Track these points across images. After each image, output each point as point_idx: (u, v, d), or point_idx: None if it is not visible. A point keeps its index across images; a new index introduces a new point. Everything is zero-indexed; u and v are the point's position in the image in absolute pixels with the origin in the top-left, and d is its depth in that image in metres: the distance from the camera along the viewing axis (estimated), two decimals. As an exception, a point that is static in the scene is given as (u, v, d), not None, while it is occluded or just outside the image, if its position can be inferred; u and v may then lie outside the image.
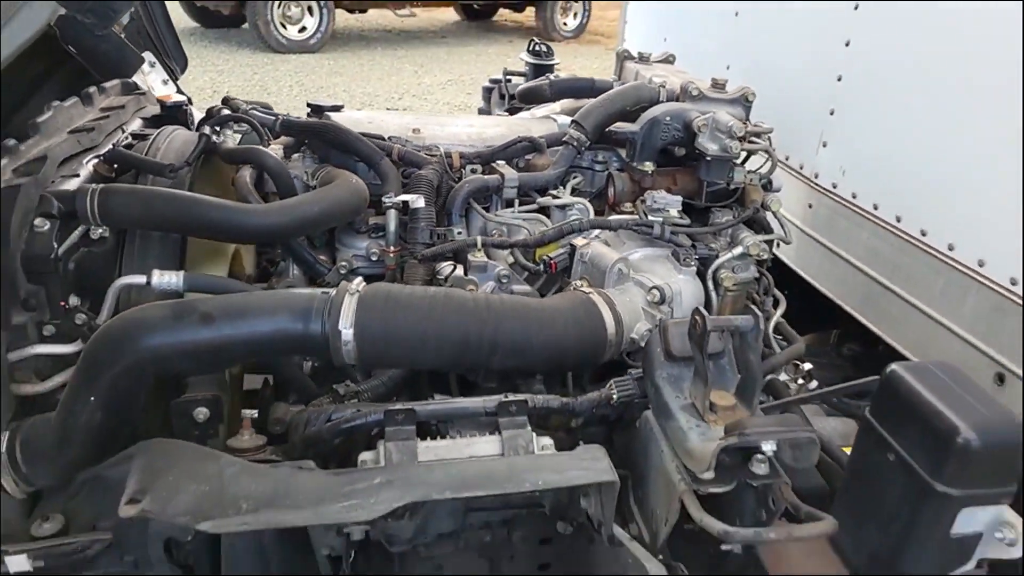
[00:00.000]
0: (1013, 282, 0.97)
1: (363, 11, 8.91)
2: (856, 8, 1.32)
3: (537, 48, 2.01)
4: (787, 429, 0.77)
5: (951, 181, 1.08)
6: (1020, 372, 0.98)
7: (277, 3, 7.42)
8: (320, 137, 1.28)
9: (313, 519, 0.76)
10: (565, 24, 9.14)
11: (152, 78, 1.73)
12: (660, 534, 0.87)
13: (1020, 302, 0.97)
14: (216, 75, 6.42)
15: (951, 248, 1.08)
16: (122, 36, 1.56)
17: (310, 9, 7.63)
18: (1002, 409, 0.76)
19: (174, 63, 1.84)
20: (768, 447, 0.75)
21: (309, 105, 1.38)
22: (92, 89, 1.34)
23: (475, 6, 9.79)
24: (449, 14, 10.29)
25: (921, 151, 1.15)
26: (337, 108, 1.37)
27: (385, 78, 6.96)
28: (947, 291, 1.09)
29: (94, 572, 0.98)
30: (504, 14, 10.27)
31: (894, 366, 0.83)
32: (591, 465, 0.82)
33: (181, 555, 0.97)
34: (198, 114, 1.48)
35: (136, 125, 1.36)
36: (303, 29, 7.71)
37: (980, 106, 1.04)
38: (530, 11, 9.43)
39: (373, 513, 0.75)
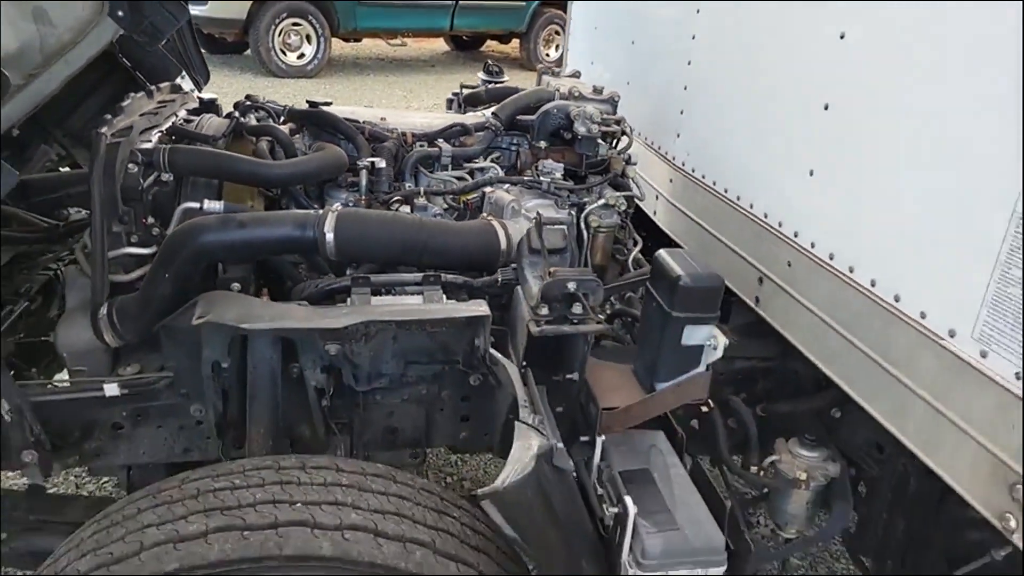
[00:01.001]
0: (796, 235, 1.52)
1: (358, 40, 9.60)
2: (694, 37, 1.91)
3: (490, 68, 2.60)
4: (583, 277, 1.32)
5: (759, 159, 1.65)
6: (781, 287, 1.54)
7: (278, 32, 8.09)
8: (314, 121, 1.85)
9: (307, 324, 1.31)
10: (548, 55, 9.82)
11: (186, 84, 2.31)
12: (520, 352, 1.42)
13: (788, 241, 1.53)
14: (221, 96, 7.06)
15: (751, 206, 1.64)
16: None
17: (308, 38, 8.31)
18: (710, 269, 1.33)
19: (199, 76, 2.43)
20: (571, 285, 1.31)
21: (308, 101, 1.95)
22: (152, 88, 1.92)
23: (463, 38, 10.50)
24: (439, 44, 11.01)
25: (741, 139, 1.72)
26: (328, 103, 1.95)
27: (376, 101, 7.61)
28: (742, 233, 1.66)
29: (160, 401, 1.53)
30: (491, 45, 10.99)
31: (660, 251, 1.39)
32: (474, 307, 1.37)
33: (221, 380, 1.51)
34: (225, 108, 2.06)
35: (183, 113, 1.94)
36: (301, 56, 8.37)
37: (791, 101, 1.62)
38: (516, 43, 10.13)
39: (342, 323, 1.30)
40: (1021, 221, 0.98)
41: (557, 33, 9.61)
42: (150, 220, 1.57)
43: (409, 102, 7.75)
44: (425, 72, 9.43)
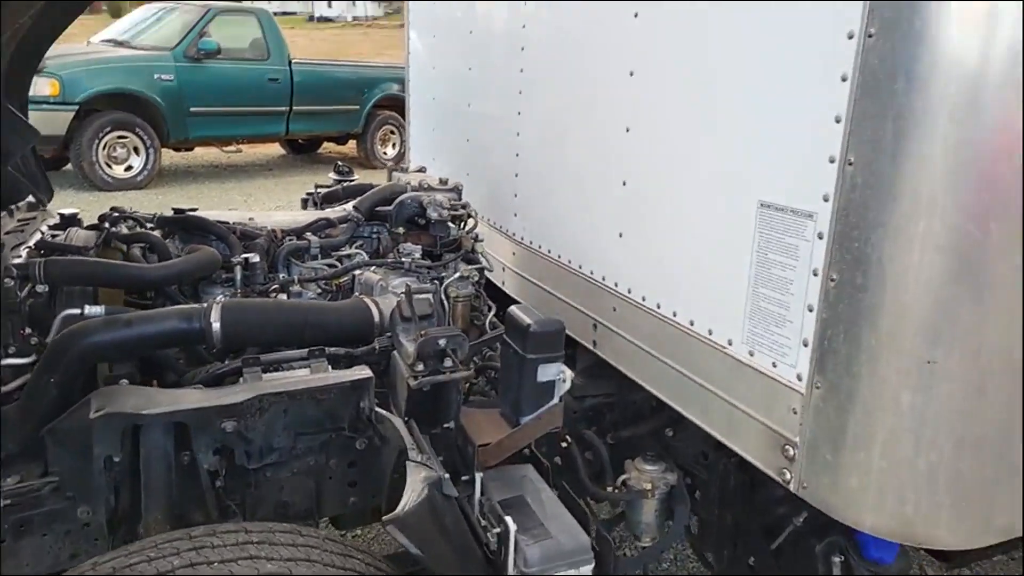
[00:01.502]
0: (616, 285, 1.88)
1: (189, 149, 9.53)
2: (519, 134, 2.31)
3: (341, 168, 2.87)
4: (451, 334, 1.59)
5: (582, 228, 2.02)
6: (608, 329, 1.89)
7: (102, 145, 7.89)
8: (185, 226, 2.01)
9: (205, 403, 1.45)
10: (385, 153, 10.27)
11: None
12: (401, 409, 1.64)
13: (605, 288, 1.89)
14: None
15: (580, 266, 2.00)
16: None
17: (136, 149, 8.16)
18: (553, 317, 1.65)
19: (43, 194, 2.49)
20: (442, 342, 1.56)
21: (173, 209, 2.11)
22: (12, 207, 2.00)
23: (300, 141, 10.72)
24: (275, 148, 11.14)
25: (566, 213, 2.09)
26: (194, 210, 2.12)
27: (213, 208, 7.59)
28: (575, 289, 2.01)
29: (45, 507, 1.57)
30: (328, 147, 11.30)
31: (511, 307, 1.69)
32: (358, 372, 1.58)
33: (113, 475, 1.58)
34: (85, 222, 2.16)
35: (46, 228, 2.02)
36: (129, 168, 8.18)
37: (598, 180, 2.00)
38: (353, 143, 10.51)
39: (238, 399, 1.46)
40: (755, 261, 1.38)
41: (393, 132, 10.13)
42: (27, 331, 1.65)
43: (250, 206, 7.80)
44: (263, 176, 9.52)
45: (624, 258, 1.82)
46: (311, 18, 65.21)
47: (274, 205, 7.75)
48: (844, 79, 1.17)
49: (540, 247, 2.20)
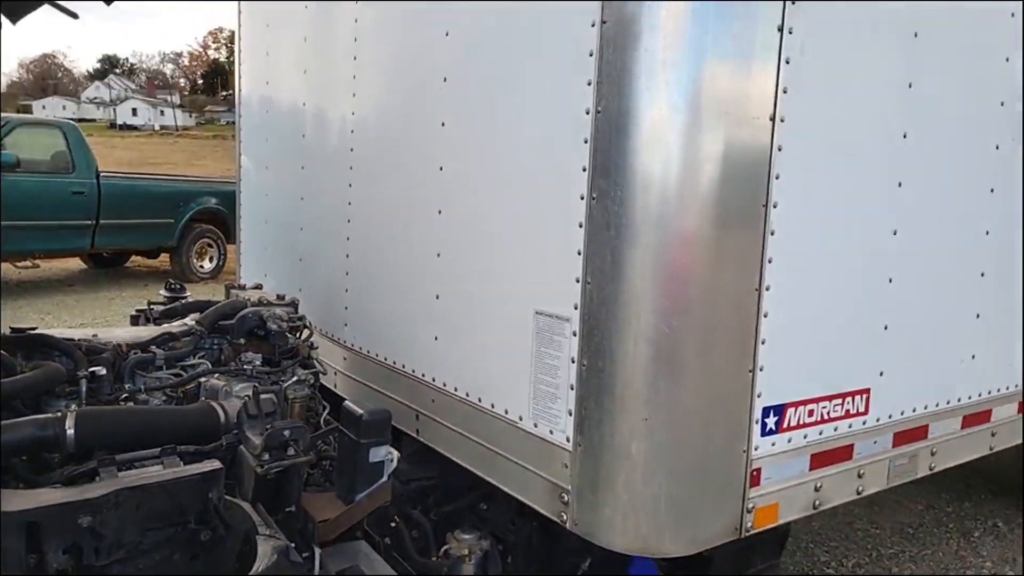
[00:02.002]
0: (434, 380, 2.28)
1: (-21, 265, 8.80)
2: (348, 256, 2.72)
3: (172, 286, 3.07)
4: (293, 426, 1.89)
5: (405, 333, 2.43)
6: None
7: None
8: (28, 344, 2.15)
9: (64, 499, 1.63)
10: (202, 267, 10.10)
11: None
12: (248, 496, 1.89)
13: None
14: None
15: (403, 366, 2.39)
16: None
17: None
18: (380, 406, 2.02)
19: None
20: (286, 433, 1.87)
21: (11, 328, 2.24)
22: None
23: (104, 255, 10.25)
24: (75, 263, 10.54)
25: (389, 321, 2.49)
26: (33, 328, 2.26)
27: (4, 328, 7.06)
28: (400, 385, 2.39)
29: None
30: (137, 260, 10.87)
31: (345, 402, 2.04)
32: (208, 465, 1.83)
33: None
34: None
35: None
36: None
37: (412, 294, 2.43)
38: (165, 256, 10.22)
39: (96, 494, 1.65)
40: (534, 354, 1.87)
41: (210, 246, 10.03)
42: None
43: (48, 324, 7.35)
44: (63, 293, 8.98)
45: (439, 358, 2.25)
46: (113, 125, 62.25)
47: (79, 322, 7.38)
48: (580, 226, 1.72)
49: (368, 351, 2.58)
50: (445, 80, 2.21)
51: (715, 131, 1.64)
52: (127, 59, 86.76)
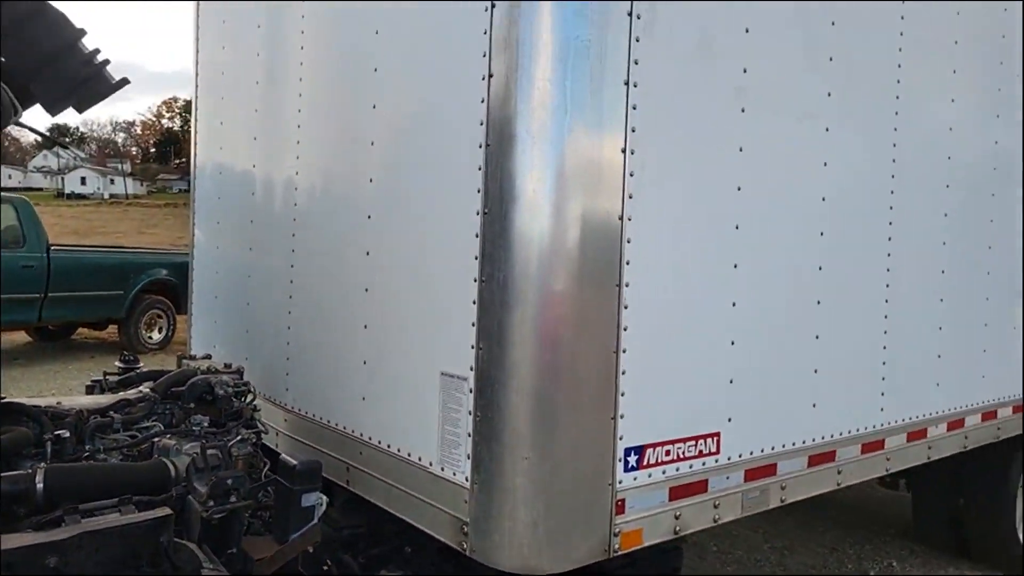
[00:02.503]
0: (361, 435, 2.65)
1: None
2: (289, 328, 3.10)
3: (127, 357, 3.39)
4: (236, 475, 2.24)
5: (333, 395, 2.80)
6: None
7: None
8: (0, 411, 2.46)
9: (32, 542, 1.93)
10: (151, 337, 10.22)
11: None
12: (195, 540, 2.21)
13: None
14: None
15: (336, 424, 2.76)
16: None
17: None
18: (311, 458, 2.37)
19: None
20: (229, 482, 2.21)
21: (-17, 397, 2.54)
22: None
23: (50, 328, 10.31)
24: (20, 336, 10.57)
25: (322, 385, 2.86)
26: (3, 397, 2.57)
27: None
28: (332, 440, 2.74)
29: None
30: (84, 332, 10.93)
31: (282, 455, 2.39)
32: (160, 511, 2.15)
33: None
34: None
35: None
36: None
37: (335, 357, 2.81)
38: (113, 328, 10.32)
39: (61, 536, 1.96)
40: (441, 408, 2.27)
41: (160, 316, 10.20)
42: None
43: (-7, 398, 7.40)
44: (7, 366, 9.01)
45: (366, 415, 2.63)
46: (60, 194, 61.51)
47: (27, 395, 7.44)
48: (474, 303, 2.15)
49: (306, 412, 2.94)
50: (371, 181, 2.66)
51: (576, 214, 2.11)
52: (77, 128, 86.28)
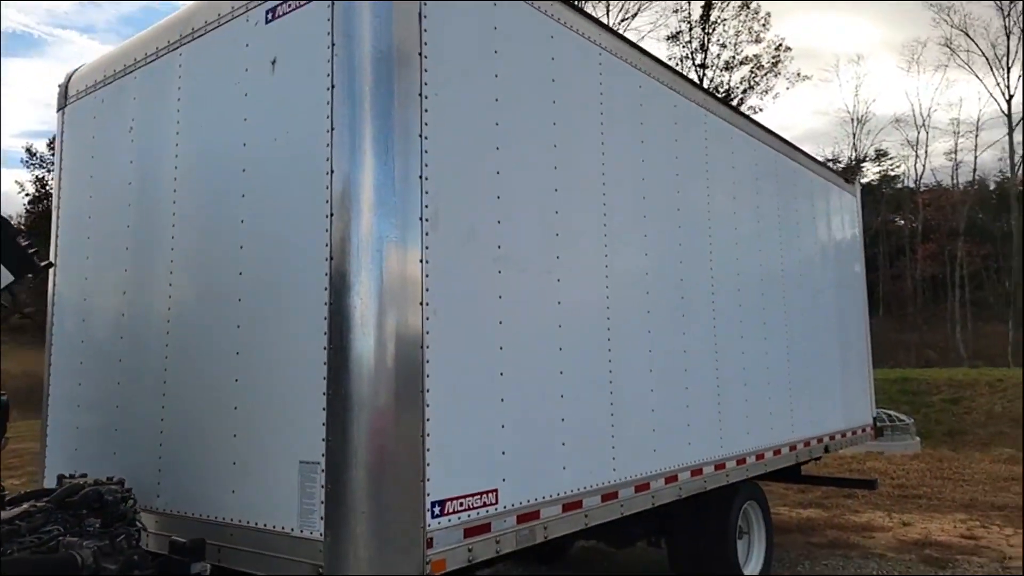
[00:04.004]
0: (222, 517, 3.51)
1: None
2: (163, 420, 3.90)
3: (-1, 483, 3.94)
4: (133, 552, 3.03)
5: (203, 494, 3.64)
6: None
7: None
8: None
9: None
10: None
11: None
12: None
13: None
14: None
15: (209, 516, 3.59)
16: None
17: None
18: (197, 537, 3.23)
19: None
20: (135, 557, 3.00)
21: (-101, 517, 3.11)
22: None
23: None
24: None
25: (192, 484, 3.69)
26: (-85, 516, 3.14)
27: None
28: (210, 529, 3.57)
29: None
30: None
31: (172, 536, 3.20)
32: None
33: None
34: None
35: None
36: None
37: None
38: None
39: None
40: (299, 488, 3.25)
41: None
42: None
43: None
44: None
45: (235, 503, 3.51)
46: None
47: None
48: (324, 409, 3.21)
49: (177, 511, 3.73)
50: (240, 300, 3.68)
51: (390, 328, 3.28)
52: None
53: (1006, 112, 40.64)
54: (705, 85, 37.76)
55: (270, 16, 3.78)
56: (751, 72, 38.11)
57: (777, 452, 6.62)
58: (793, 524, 9.32)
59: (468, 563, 3.47)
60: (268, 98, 3.74)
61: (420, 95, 3.50)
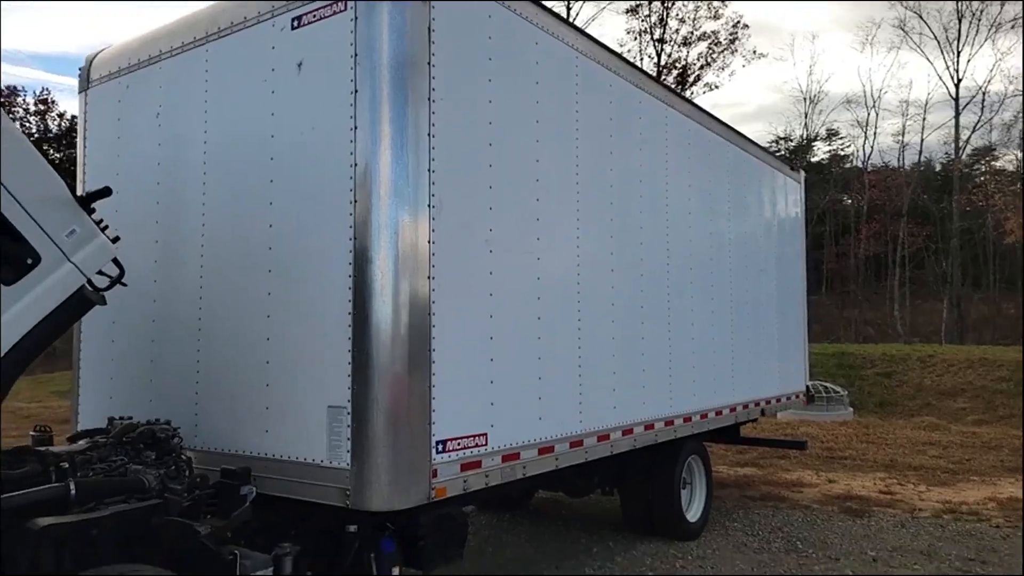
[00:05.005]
0: (263, 454, 4.25)
1: None
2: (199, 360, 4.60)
3: (41, 427, 4.60)
4: (198, 475, 3.75)
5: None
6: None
7: None
8: (14, 454, 3.71)
9: (77, 519, 3.32)
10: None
11: None
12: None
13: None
14: None
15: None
16: None
17: None
18: (245, 465, 3.97)
19: None
20: (198, 479, 3.71)
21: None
22: None
23: None
24: None
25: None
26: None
27: None
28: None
29: None
30: None
31: (223, 466, 3.93)
32: (151, 502, 3.60)
33: None
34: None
35: None
36: None
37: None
38: None
39: (100, 515, 3.36)
40: (327, 429, 4.00)
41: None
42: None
43: None
44: None
45: (270, 441, 4.24)
46: None
47: None
48: (349, 364, 3.95)
49: (215, 449, 4.45)
50: (270, 271, 4.37)
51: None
52: None
53: (954, 96, 42.66)
54: (663, 61, 38.70)
55: (295, 23, 4.42)
56: (708, 48, 39.09)
57: (719, 413, 7.59)
58: (731, 480, 10.42)
59: (463, 492, 4.29)
60: (294, 96, 4.40)
61: (429, 98, 4.21)
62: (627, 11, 39.10)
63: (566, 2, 36.72)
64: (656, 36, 39.48)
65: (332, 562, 4.28)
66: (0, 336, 2.76)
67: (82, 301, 3.04)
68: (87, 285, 3.08)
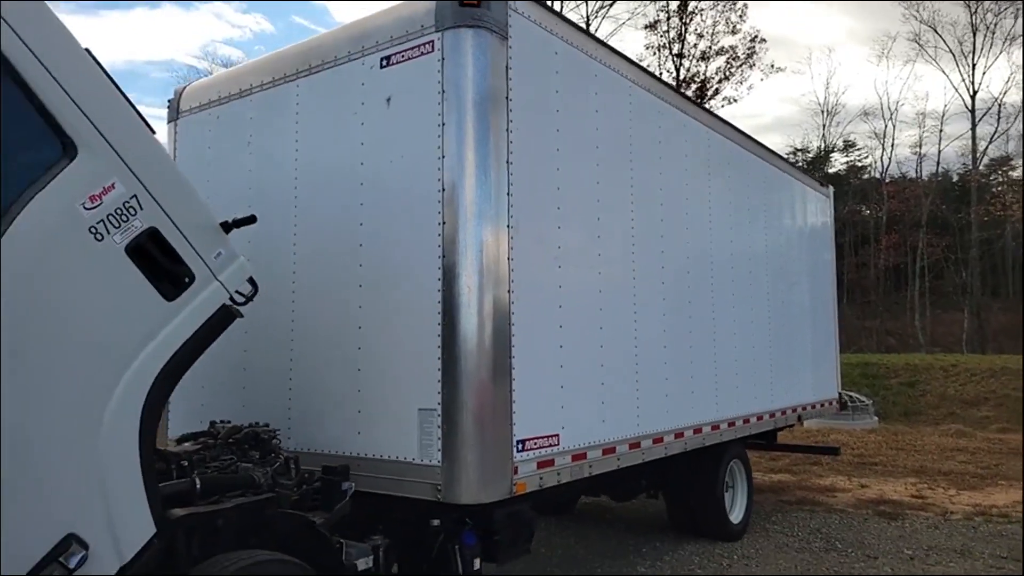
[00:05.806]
0: (332, 452, 4.62)
1: None
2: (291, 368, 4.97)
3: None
4: (306, 471, 4.11)
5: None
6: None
7: None
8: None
9: (207, 510, 3.68)
10: None
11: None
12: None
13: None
14: None
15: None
16: None
17: None
18: (344, 463, 4.33)
19: None
20: (306, 475, 4.08)
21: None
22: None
23: None
24: None
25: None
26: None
27: None
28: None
29: None
30: None
31: (324, 464, 4.29)
32: (266, 496, 3.96)
33: None
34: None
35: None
36: None
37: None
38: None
39: (226, 506, 3.73)
40: (419, 430, 4.36)
41: None
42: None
43: None
44: None
45: (361, 442, 4.60)
46: None
47: None
48: (439, 370, 4.31)
49: (309, 450, 4.82)
50: (361, 286, 4.75)
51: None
52: None
53: (970, 107, 42.67)
54: (681, 75, 39.03)
55: (384, 63, 4.82)
56: (727, 63, 39.42)
57: (760, 418, 7.88)
58: (766, 486, 10.66)
59: (539, 488, 4.63)
60: (383, 127, 4.79)
61: (507, 129, 4.59)
62: (646, 27, 39.54)
63: (586, 19, 37.18)
64: (675, 51, 39.87)
65: (417, 554, 4.62)
66: (162, 348, 3.13)
67: (226, 315, 3.41)
68: (230, 301, 3.45)
